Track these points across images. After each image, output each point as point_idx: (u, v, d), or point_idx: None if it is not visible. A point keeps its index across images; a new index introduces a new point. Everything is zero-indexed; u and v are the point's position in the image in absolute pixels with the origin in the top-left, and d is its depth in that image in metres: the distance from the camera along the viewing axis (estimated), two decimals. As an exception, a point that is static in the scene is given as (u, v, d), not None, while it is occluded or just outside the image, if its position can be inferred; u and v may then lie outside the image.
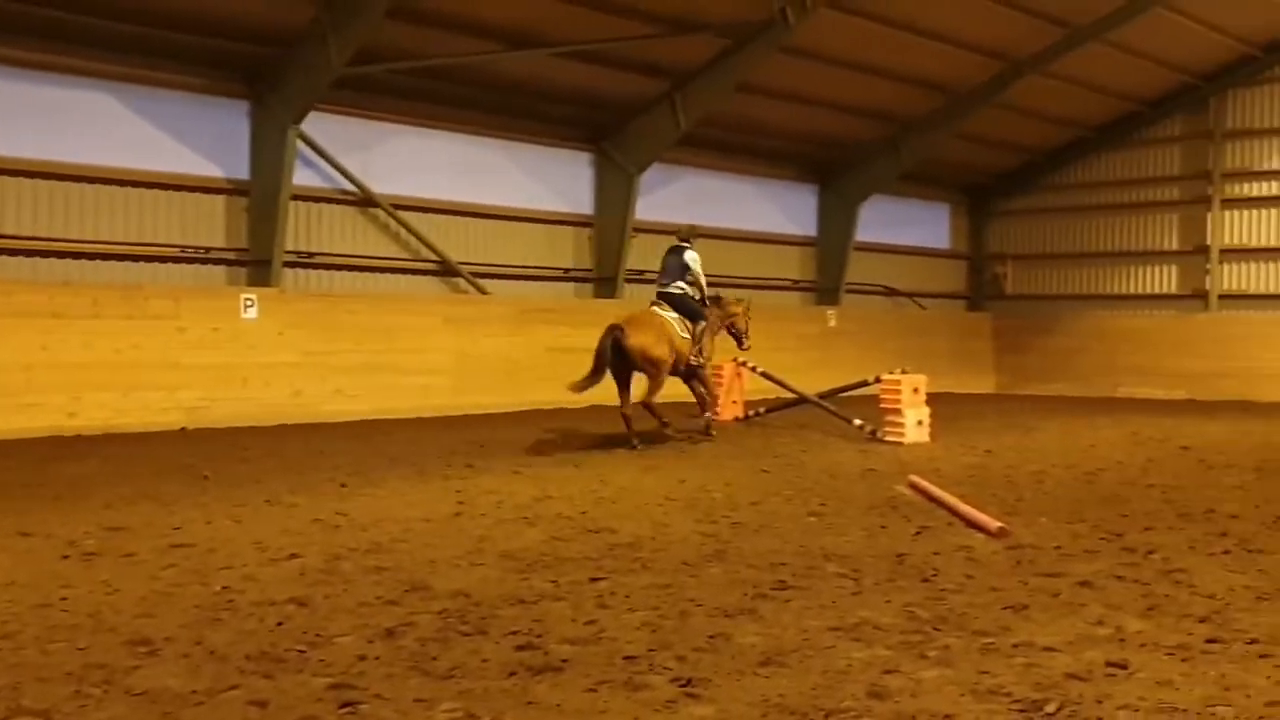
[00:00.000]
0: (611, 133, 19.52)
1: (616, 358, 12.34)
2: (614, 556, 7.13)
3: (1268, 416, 17.86)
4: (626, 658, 4.69)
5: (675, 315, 13.12)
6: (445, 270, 17.96)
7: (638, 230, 19.87)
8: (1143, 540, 7.79)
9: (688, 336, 13.12)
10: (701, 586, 6.37)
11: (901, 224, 25.21)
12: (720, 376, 15.89)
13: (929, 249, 26.19)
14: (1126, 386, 22.58)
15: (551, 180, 19.52)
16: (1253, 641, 5.30)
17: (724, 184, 21.93)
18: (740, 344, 14.70)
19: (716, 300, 14.13)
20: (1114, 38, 20.30)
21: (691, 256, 13.44)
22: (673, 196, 20.80)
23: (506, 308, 18.16)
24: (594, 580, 6.30)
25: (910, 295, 25.10)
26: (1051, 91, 21.97)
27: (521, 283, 19.22)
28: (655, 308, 13.23)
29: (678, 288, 13.30)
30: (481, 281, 18.30)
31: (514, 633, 5.10)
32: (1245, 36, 21.98)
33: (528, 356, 17.69)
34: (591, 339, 12.55)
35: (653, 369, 12.52)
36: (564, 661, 4.61)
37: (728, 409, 15.93)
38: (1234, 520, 8.49)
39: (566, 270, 19.89)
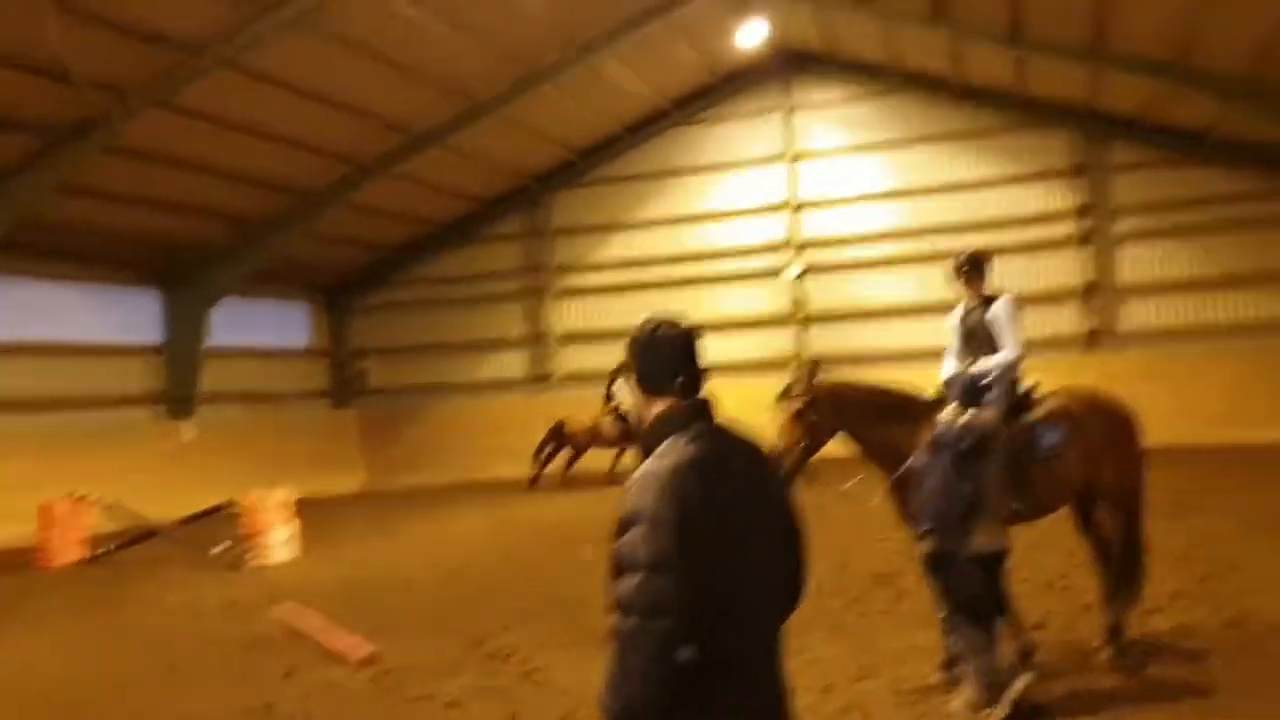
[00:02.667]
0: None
1: None
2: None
3: (604, 485, 19.60)
4: None
5: None
6: None
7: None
8: (504, 643, 8.12)
9: None
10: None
11: (259, 325, 24.38)
12: (51, 516, 13.98)
13: (289, 349, 25.63)
14: (487, 469, 23.70)
15: None
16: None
17: (50, 293, 19.57)
18: None
19: None
20: (453, 142, 21.64)
21: None
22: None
23: None
24: None
25: (268, 399, 24.32)
26: (399, 191, 22.82)
27: None
28: None
29: None
30: None
31: None
32: (565, 143, 24.65)
33: None
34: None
35: None
36: None
37: (66, 551, 14.01)
38: (581, 607, 9.16)
39: None
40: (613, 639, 2.52)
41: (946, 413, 6.02)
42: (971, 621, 5.68)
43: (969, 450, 5.59)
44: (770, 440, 6.20)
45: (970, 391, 5.99)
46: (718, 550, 2.53)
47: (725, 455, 2.67)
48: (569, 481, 20.18)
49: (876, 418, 6.37)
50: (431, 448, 24.96)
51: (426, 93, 19.60)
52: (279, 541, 13.18)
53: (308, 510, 14.29)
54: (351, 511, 17.61)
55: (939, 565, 5.67)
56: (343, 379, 26.72)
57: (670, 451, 2.60)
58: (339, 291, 26.80)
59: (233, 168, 19.26)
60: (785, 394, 6.34)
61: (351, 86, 18.36)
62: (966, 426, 5.70)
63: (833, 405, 6.27)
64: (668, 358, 2.76)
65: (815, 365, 6.42)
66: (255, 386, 23.86)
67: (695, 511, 2.49)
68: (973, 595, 5.65)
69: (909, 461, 6.14)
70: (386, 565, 12.30)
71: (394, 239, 25.77)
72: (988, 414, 6.18)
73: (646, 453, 2.67)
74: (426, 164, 21.90)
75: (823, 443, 6.24)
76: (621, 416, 20.18)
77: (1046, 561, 9.40)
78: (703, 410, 2.74)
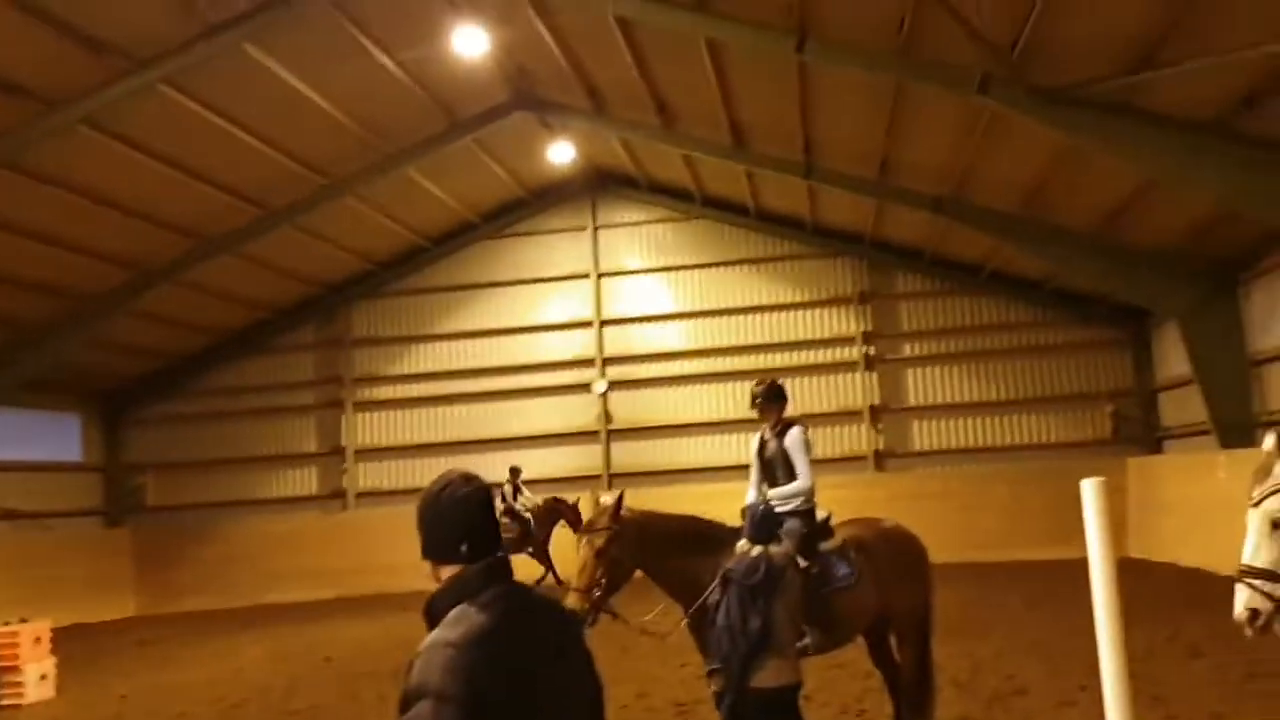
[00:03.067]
0: None
1: None
2: None
3: (406, 607, 18.94)
4: None
5: None
6: None
7: None
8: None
9: None
10: None
11: (24, 438, 22.48)
12: None
13: (58, 463, 23.67)
14: (276, 592, 22.41)
15: None
16: None
17: None
18: None
19: None
20: (246, 250, 20.87)
21: None
22: None
23: None
24: None
25: (34, 516, 22.40)
26: (187, 299, 21.74)
27: None
28: None
29: None
30: None
31: None
32: (366, 254, 24.19)
33: None
34: None
35: None
36: None
37: None
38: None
39: None
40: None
41: (740, 545, 6.04)
42: None
43: (759, 585, 5.59)
44: (573, 577, 6.06)
45: (764, 523, 6.03)
46: (510, 724, 2.38)
47: (520, 621, 2.54)
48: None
49: (678, 550, 6.33)
50: (215, 569, 23.41)
51: (220, 200, 18.94)
52: (34, 679, 11.98)
53: (72, 639, 13.20)
54: (122, 640, 16.25)
55: (728, 702, 5.62)
56: (117, 495, 24.93)
57: (460, 620, 2.44)
58: (117, 402, 25.17)
59: (4, 270, 18.00)
60: (589, 528, 6.22)
61: (139, 191, 17.61)
62: (756, 560, 5.71)
63: (637, 539, 6.20)
64: (453, 524, 2.62)
65: (620, 497, 6.32)
66: (20, 504, 21.97)
67: (485, 685, 2.34)
68: None
69: (704, 595, 6.12)
70: (158, 701, 11.34)
71: (179, 348, 24.55)
72: (782, 547, 6.24)
73: (433, 622, 2.50)
74: (217, 271, 21.07)
75: (625, 580, 6.14)
76: (515, 516, 19.62)
77: (844, 687, 9.51)
78: (496, 572, 2.60)
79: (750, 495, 7.03)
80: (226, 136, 16.93)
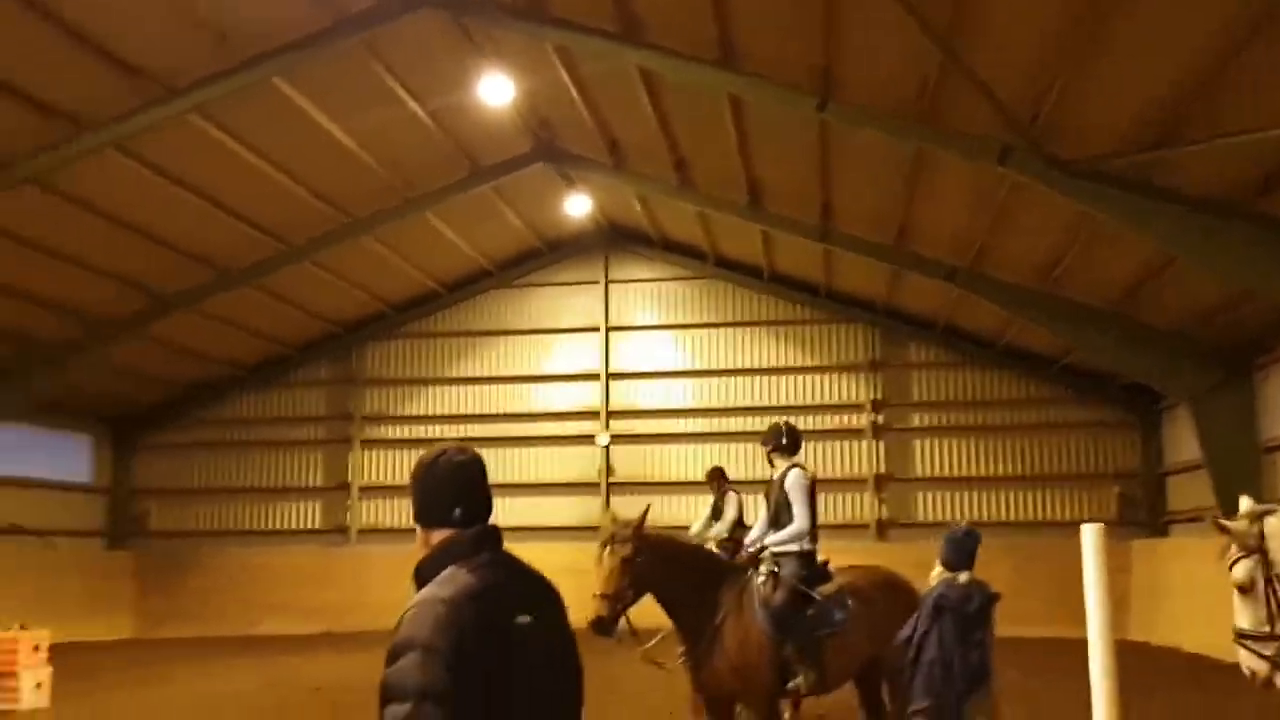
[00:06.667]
0: None
1: None
2: None
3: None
4: None
5: None
6: None
7: None
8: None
9: None
10: None
11: (34, 455, 22.68)
12: None
13: (66, 483, 23.85)
14: (268, 623, 22.37)
15: None
16: None
17: None
18: None
19: None
20: (266, 284, 21.17)
21: None
22: None
23: None
24: None
25: (39, 534, 22.47)
26: (203, 329, 21.97)
27: None
28: None
29: None
30: None
31: None
32: (382, 295, 24.44)
33: None
34: None
35: None
36: None
37: None
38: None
39: None
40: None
41: (935, 572, 5.83)
42: None
43: (974, 615, 5.36)
44: (591, 589, 6.03)
45: (963, 545, 5.72)
46: (494, 684, 2.41)
47: (509, 585, 2.58)
48: None
49: (689, 575, 6.34)
50: (212, 597, 23.41)
51: (241, 230, 19.17)
52: (30, 687, 12.01)
53: (67, 654, 13.14)
54: (115, 659, 16.23)
55: None
56: (121, 518, 25.00)
57: (451, 580, 2.49)
58: (128, 426, 25.33)
59: (25, 287, 18.23)
60: (612, 539, 6.21)
61: (165, 218, 17.86)
62: (968, 587, 5.46)
63: (659, 555, 6.19)
64: (447, 489, 2.68)
65: (644, 513, 6.32)
66: (26, 519, 22.04)
67: (472, 642, 2.38)
68: None
69: (713, 621, 6.14)
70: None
71: (192, 376, 24.73)
72: (780, 591, 6.28)
73: (421, 582, 2.54)
74: (235, 303, 21.31)
75: (643, 593, 6.11)
76: None
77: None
78: (487, 539, 2.64)
79: (752, 533, 7.08)
80: (252, 169, 17.20)
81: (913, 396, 23.23)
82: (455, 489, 2.68)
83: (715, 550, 10.62)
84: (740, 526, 11.39)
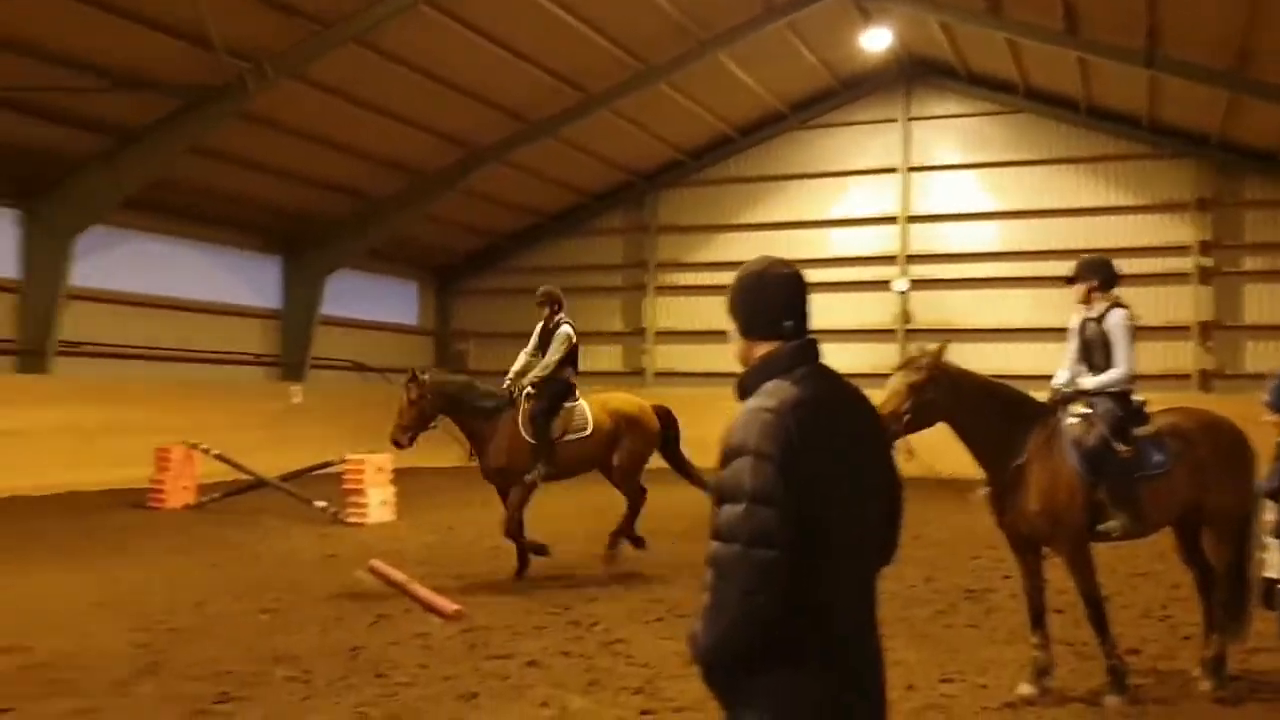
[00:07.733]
0: (42, 190, 17.41)
1: None
2: (24, 680, 6.18)
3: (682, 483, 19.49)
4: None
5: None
6: None
7: (74, 297, 17.85)
8: (587, 612, 8.23)
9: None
10: (130, 710, 5.68)
11: (370, 299, 25.15)
12: (167, 460, 14.70)
13: (397, 325, 26.33)
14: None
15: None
16: (680, 710, 5.72)
17: (177, 251, 20.41)
18: None
19: None
20: (565, 135, 21.97)
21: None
22: (116, 263, 19.02)
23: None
24: (-11, 717, 5.37)
25: (379, 370, 24.94)
26: (511, 180, 23.24)
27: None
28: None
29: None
30: None
31: None
32: (675, 142, 24.76)
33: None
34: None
35: None
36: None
37: (177, 495, 14.69)
38: (664, 586, 9.28)
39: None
40: (711, 567, 2.47)
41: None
42: None
43: None
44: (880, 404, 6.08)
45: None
46: (819, 491, 2.51)
47: (830, 399, 2.66)
48: None
49: (991, 412, 6.26)
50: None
51: (544, 83, 19.93)
52: (376, 502, 13.63)
53: (404, 478, 14.65)
54: (447, 483, 17.91)
55: None
56: (445, 356, 27.29)
57: (775, 392, 2.58)
58: (447, 273, 27.41)
59: (355, 144, 19.85)
60: (908, 364, 6.24)
61: (473, 71, 18.76)
62: None
63: (953, 388, 6.16)
64: (778, 299, 2.71)
65: (943, 347, 6.28)
66: (362, 357, 24.52)
67: (798, 450, 2.48)
68: None
69: (1018, 461, 6.08)
70: (477, 533, 12.53)
71: (502, 226, 26.22)
72: (1095, 429, 6.11)
73: (745, 395, 2.66)
74: (538, 154, 22.28)
75: (930, 423, 6.08)
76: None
77: (1147, 592, 9.19)
78: (809, 352, 2.72)
79: (1060, 376, 6.79)
80: (553, 19, 17.67)
81: (1245, 238, 21.21)
82: (786, 300, 2.72)
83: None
84: (566, 367, 10.11)
